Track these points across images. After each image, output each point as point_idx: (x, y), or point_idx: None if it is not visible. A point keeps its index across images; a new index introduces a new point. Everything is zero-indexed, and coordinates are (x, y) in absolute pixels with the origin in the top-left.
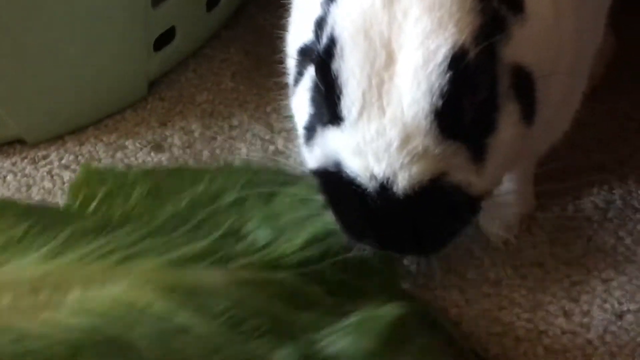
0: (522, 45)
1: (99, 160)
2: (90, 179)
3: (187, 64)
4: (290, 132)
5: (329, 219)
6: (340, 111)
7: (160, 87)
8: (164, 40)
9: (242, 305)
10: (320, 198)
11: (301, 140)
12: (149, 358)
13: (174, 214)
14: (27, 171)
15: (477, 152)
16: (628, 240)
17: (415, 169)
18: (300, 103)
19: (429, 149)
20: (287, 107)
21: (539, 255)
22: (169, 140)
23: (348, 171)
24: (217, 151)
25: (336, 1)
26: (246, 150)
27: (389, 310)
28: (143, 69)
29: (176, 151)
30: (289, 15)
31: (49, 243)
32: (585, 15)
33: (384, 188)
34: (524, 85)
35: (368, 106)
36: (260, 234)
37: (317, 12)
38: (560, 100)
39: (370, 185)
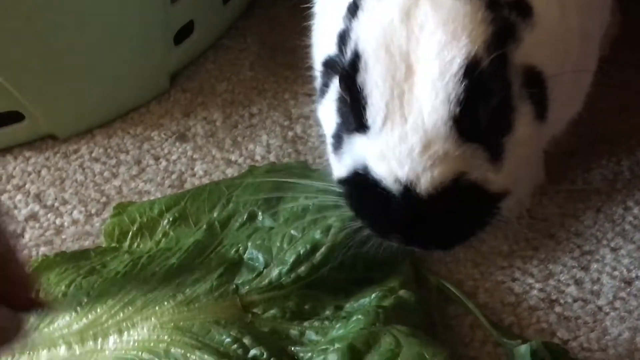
0: (532, 47)
1: (127, 152)
2: (121, 219)
3: (206, 56)
4: (308, 118)
5: (314, 233)
6: (366, 120)
7: (182, 79)
8: (183, 34)
9: (251, 329)
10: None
11: (329, 148)
12: None
13: (194, 244)
14: (59, 165)
15: (495, 152)
16: (636, 210)
17: (436, 172)
18: (328, 113)
19: (448, 152)
20: (315, 116)
21: (550, 227)
22: (193, 130)
23: (374, 175)
24: (239, 139)
25: (358, 17)
26: (266, 137)
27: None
28: (165, 62)
29: (199, 140)
30: (312, 19)
31: (87, 296)
32: (590, 10)
33: (408, 190)
34: (536, 84)
35: (391, 115)
36: (258, 260)
37: (339, 25)
38: (572, 89)
39: (395, 188)
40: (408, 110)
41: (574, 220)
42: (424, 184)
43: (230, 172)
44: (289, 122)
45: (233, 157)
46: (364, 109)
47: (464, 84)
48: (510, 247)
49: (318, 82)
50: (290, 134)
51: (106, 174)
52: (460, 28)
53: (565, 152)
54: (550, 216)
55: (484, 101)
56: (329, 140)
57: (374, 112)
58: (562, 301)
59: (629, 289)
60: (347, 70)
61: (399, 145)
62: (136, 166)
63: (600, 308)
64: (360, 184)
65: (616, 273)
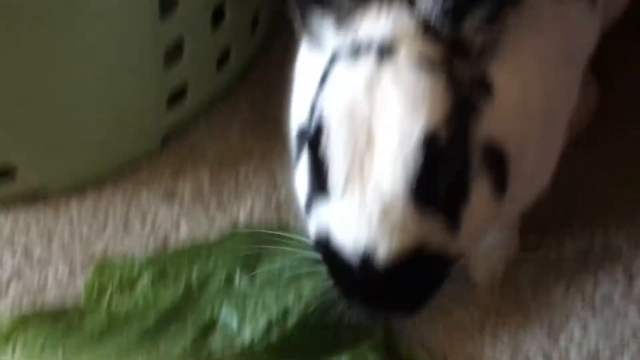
0: (493, 123)
1: (115, 210)
2: (102, 276)
3: (198, 119)
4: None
5: (287, 299)
6: (328, 187)
7: (174, 141)
8: (176, 97)
9: None
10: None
11: (303, 215)
12: None
13: (171, 304)
14: (48, 221)
15: (452, 221)
16: (606, 285)
17: (394, 240)
18: (300, 181)
19: (406, 220)
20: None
21: (521, 297)
22: (180, 191)
23: (336, 241)
24: (224, 201)
25: (324, 89)
26: (251, 201)
27: None
28: (157, 125)
29: (186, 201)
30: (290, 88)
31: (62, 355)
32: (555, 89)
33: (367, 258)
34: (496, 160)
35: (351, 183)
36: (232, 324)
37: (311, 94)
38: (535, 167)
39: (354, 255)
40: (368, 178)
41: (545, 291)
42: (382, 252)
43: (214, 234)
44: (273, 186)
45: (217, 220)
46: (327, 176)
47: (421, 156)
48: (481, 316)
49: (294, 151)
50: (274, 198)
51: (93, 232)
52: (420, 102)
53: (538, 223)
54: (521, 287)
55: (442, 173)
56: (302, 208)
57: (335, 179)
58: None
59: None
60: (312, 138)
61: (359, 212)
62: (122, 225)
63: None
64: (326, 249)
65: (584, 347)
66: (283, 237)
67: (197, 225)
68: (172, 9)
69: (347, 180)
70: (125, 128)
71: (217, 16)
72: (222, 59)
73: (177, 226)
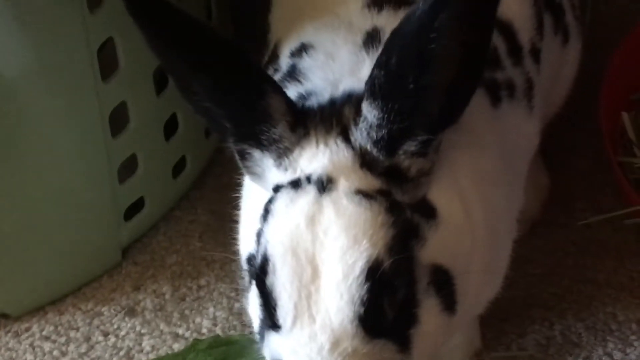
0: (437, 246)
1: (77, 328)
2: None
3: (158, 227)
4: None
5: None
6: (277, 320)
7: (134, 252)
8: (134, 208)
9: None
10: None
11: (258, 340)
12: None
13: None
14: (10, 345)
15: (403, 343)
16: None
17: None
18: (253, 308)
19: (357, 349)
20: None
21: None
22: (142, 304)
23: None
24: (186, 312)
25: (268, 221)
26: (213, 309)
27: None
28: (115, 238)
29: (148, 314)
30: (239, 204)
31: None
32: (496, 201)
33: None
34: (443, 281)
35: (300, 315)
36: None
37: (257, 224)
38: (483, 278)
39: None
40: (316, 310)
41: None
42: None
43: (177, 346)
44: (235, 293)
45: (180, 331)
46: (275, 309)
47: (366, 285)
48: None
49: (245, 277)
50: (236, 305)
51: (55, 352)
52: (361, 233)
53: (499, 316)
54: None
55: (388, 300)
56: (256, 335)
57: (284, 312)
58: None
59: None
60: (259, 270)
61: (309, 343)
62: (85, 343)
63: None
64: None
65: None
66: (245, 348)
67: (160, 338)
68: (123, 127)
69: (296, 314)
70: (84, 246)
71: (172, 125)
72: (178, 167)
73: (140, 340)
